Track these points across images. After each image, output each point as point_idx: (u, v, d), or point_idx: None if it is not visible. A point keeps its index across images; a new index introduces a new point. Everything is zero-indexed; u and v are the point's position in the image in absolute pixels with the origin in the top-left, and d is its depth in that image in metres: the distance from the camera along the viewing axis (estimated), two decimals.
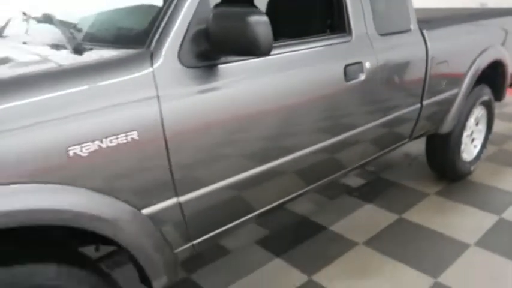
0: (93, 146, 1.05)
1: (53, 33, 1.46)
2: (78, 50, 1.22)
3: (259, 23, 1.16)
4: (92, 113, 1.05)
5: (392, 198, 2.74)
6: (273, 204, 1.65)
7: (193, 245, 1.40)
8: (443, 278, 1.96)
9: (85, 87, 1.07)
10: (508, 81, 3.03)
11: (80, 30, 1.41)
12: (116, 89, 1.10)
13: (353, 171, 2.17)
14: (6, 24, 1.82)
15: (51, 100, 1.01)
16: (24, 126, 0.96)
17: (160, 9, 1.26)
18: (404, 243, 2.25)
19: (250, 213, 1.55)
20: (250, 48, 1.17)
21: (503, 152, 3.45)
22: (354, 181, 3.02)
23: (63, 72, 1.08)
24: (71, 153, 1.02)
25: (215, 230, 1.45)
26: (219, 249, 2.25)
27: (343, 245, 2.26)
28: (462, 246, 2.20)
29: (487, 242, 2.23)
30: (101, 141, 1.06)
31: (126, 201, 1.14)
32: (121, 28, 1.40)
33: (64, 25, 1.37)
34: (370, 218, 2.52)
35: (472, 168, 2.95)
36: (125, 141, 1.10)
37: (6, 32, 1.87)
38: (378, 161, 3.20)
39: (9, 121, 0.95)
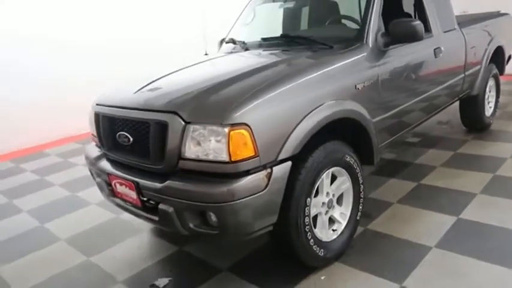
0: (362, 85, 2.30)
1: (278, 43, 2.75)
2: (330, 47, 2.48)
3: (418, 24, 2.45)
4: (361, 70, 2.31)
5: (445, 145, 4.04)
6: (415, 124, 2.99)
7: (382, 146, 2.63)
8: (500, 171, 3.25)
9: (349, 60, 2.33)
10: (506, 60, 4.45)
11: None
12: (361, 60, 2.38)
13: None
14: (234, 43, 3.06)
15: (346, 66, 2.27)
16: (342, 77, 2.21)
17: (362, 25, 2.55)
18: (464, 165, 3.50)
19: (403, 130, 2.84)
20: (414, 37, 2.47)
21: (507, 113, 4.87)
22: (413, 139, 4.32)
23: (343, 53, 2.35)
24: (356, 88, 2.27)
25: (390, 138, 2.70)
26: None
27: (428, 169, 3.51)
28: (501, 160, 3.50)
29: None
30: (364, 83, 2.32)
31: (368, 111, 2.36)
32: (342, 35, 2.69)
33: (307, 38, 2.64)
34: (435, 155, 3.80)
35: (491, 121, 4.31)
36: (369, 83, 2.36)
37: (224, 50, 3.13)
38: (423, 126, 4.51)
39: (343, 75, 2.20)
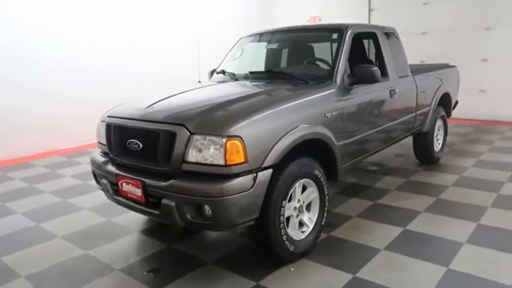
0: (330, 114, 2.86)
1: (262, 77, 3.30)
2: (306, 82, 3.05)
3: (375, 70, 3.08)
4: (329, 103, 2.88)
5: (399, 173, 4.66)
6: (373, 151, 3.55)
7: (345, 166, 3.18)
8: (442, 195, 3.85)
9: (321, 94, 2.90)
10: (452, 105, 5.21)
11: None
12: (330, 95, 2.95)
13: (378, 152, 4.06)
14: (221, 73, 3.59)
15: (318, 98, 2.84)
16: (314, 107, 2.77)
17: (332, 67, 3.14)
18: (414, 190, 4.12)
19: (362, 155, 3.40)
20: (372, 79, 3.08)
21: (454, 150, 5.60)
22: (373, 168, 4.92)
23: (316, 88, 2.91)
24: (325, 116, 2.83)
25: (351, 161, 3.25)
26: None
27: (384, 191, 4.08)
28: (445, 187, 4.13)
29: (458, 183, 4.19)
30: (332, 113, 2.88)
31: (334, 135, 2.91)
32: (316, 74, 3.26)
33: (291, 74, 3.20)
34: (391, 181, 4.39)
35: (440, 155, 4.99)
36: (336, 114, 2.93)
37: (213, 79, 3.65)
38: (382, 157, 5.16)
39: (315, 105, 2.75)
